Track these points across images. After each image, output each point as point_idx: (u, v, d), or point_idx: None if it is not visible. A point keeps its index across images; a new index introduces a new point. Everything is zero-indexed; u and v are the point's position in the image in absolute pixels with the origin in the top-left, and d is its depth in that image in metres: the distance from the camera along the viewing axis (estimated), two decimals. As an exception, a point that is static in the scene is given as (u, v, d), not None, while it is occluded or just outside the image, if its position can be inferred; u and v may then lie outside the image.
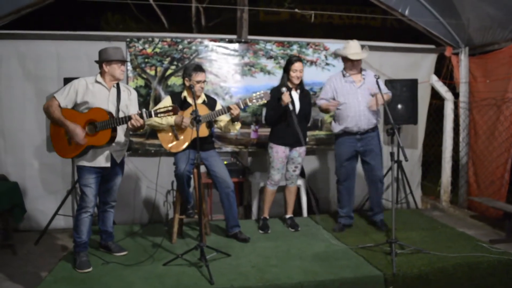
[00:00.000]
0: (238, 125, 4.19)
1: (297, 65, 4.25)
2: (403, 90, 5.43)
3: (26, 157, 5.09)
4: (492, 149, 5.47)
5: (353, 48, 4.32)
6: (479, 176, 5.71)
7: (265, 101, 4.04)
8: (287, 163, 4.45)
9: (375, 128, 4.38)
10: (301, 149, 4.42)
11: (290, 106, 4.11)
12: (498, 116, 5.39)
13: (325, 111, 4.50)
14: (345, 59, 4.36)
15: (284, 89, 4.16)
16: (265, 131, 5.55)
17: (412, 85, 5.51)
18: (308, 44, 5.64)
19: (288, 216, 4.61)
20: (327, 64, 5.66)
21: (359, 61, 4.33)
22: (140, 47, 5.25)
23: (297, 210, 5.44)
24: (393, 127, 3.88)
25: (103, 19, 10.49)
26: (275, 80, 5.51)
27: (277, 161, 4.36)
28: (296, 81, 4.28)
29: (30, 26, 5.17)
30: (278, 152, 4.34)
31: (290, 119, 4.15)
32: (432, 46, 6.09)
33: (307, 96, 4.45)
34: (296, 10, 5.55)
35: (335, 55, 4.62)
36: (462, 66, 5.91)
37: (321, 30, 10.87)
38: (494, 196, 5.36)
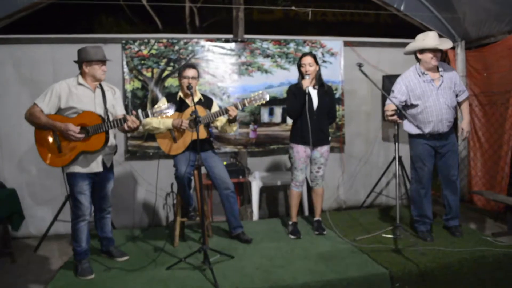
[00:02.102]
0: (235, 126, 4.12)
1: (304, 59, 4.07)
2: (401, 86, 5.36)
3: (23, 163, 5.02)
4: (493, 141, 5.45)
5: (434, 39, 3.87)
6: (480, 170, 5.68)
7: (264, 102, 3.96)
8: (310, 164, 4.26)
9: (452, 128, 4.05)
10: (323, 149, 4.19)
11: (307, 90, 3.97)
12: (498, 108, 5.35)
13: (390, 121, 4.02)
14: (423, 55, 3.88)
15: (307, 76, 4.02)
16: (264, 130, 5.53)
17: (410, 80, 5.46)
18: (304, 42, 5.59)
19: (315, 219, 4.41)
20: (324, 61, 5.61)
21: (438, 55, 3.87)
22: (136, 49, 5.17)
23: (299, 209, 5.40)
24: (398, 107, 3.75)
25: (97, 22, 10.40)
26: (272, 78, 5.48)
27: (299, 161, 4.15)
28: (306, 76, 4.05)
29: (24, 31, 5.10)
30: (299, 152, 4.13)
31: (306, 115, 3.98)
32: (429, 41, 6.05)
33: (328, 92, 4.20)
34: (293, 8, 5.48)
35: (407, 53, 4.11)
36: (459, 60, 5.89)
37: (315, 28, 10.84)
38: (495, 189, 5.33)
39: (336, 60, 5.67)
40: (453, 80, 3.96)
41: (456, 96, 4.02)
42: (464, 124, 4.05)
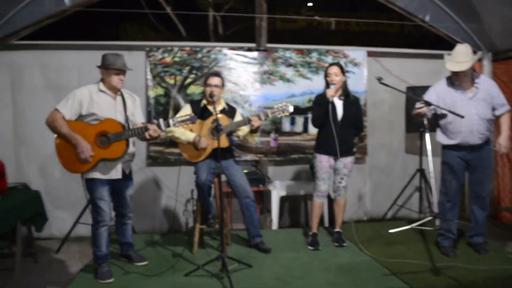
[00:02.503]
0: (256, 137, 4.12)
1: (330, 69, 4.07)
2: (425, 97, 5.28)
3: (48, 166, 5.10)
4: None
5: (455, 56, 3.81)
6: (507, 185, 5.53)
7: (287, 114, 3.95)
8: (333, 175, 4.23)
9: (487, 141, 3.91)
10: (347, 160, 4.15)
11: (331, 99, 3.96)
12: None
13: (417, 116, 3.91)
14: None
15: (332, 85, 4.02)
16: (285, 139, 5.51)
17: (434, 92, 5.38)
18: (327, 51, 5.57)
19: (335, 230, 4.37)
20: (347, 71, 5.53)
21: (461, 73, 3.78)
22: (160, 56, 5.24)
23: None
24: (425, 101, 3.74)
25: (122, 29, 10.58)
26: (294, 88, 5.47)
27: (321, 171, 4.14)
28: (331, 85, 4.06)
29: (51, 37, 5.21)
30: (322, 161, 4.13)
31: (330, 125, 3.97)
32: (454, 52, 5.95)
33: (354, 103, 4.17)
34: (317, 17, 5.47)
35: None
36: (485, 72, 5.75)
37: (338, 38, 10.79)
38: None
39: (360, 70, 5.62)
40: (489, 92, 3.84)
41: (494, 109, 3.87)
42: (502, 139, 3.87)
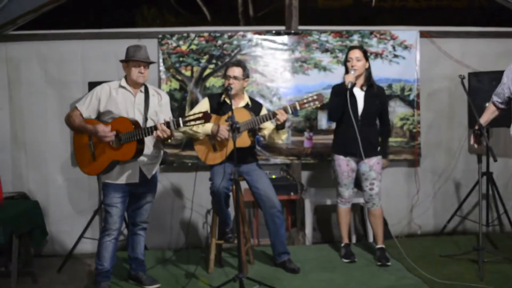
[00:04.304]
0: (283, 134, 4.08)
1: (351, 53, 4.08)
2: (493, 85, 5.06)
3: (50, 172, 5.27)
4: None
5: None
6: None
7: (318, 105, 3.90)
8: (361, 180, 4.24)
9: None
10: (372, 161, 4.13)
11: (349, 86, 3.96)
12: None
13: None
14: None
15: (352, 71, 4.03)
16: (321, 138, 5.46)
17: (503, 78, 5.19)
18: (371, 33, 5.46)
19: (377, 246, 4.32)
20: (395, 56, 5.45)
21: None
22: (174, 44, 5.31)
23: (361, 233, 5.27)
24: (480, 128, 3.70)
25: (139, 14, 10.80)
26: (331, 77, 5.39)
27: (342, 176, 4.20)
28: (351, 71, 4.06)
29: (54, 26, 5.38)
30: (341, 165, 4.18)
31: (350, 119, 3.96)
32: (529, 29, 5.71)
33: (378, 95, 4.17)
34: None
35: None
36: None
37: (392, 16, 10.61)
38: None
39: (411, 54, 5.48)
40: None
41: None
42: None
